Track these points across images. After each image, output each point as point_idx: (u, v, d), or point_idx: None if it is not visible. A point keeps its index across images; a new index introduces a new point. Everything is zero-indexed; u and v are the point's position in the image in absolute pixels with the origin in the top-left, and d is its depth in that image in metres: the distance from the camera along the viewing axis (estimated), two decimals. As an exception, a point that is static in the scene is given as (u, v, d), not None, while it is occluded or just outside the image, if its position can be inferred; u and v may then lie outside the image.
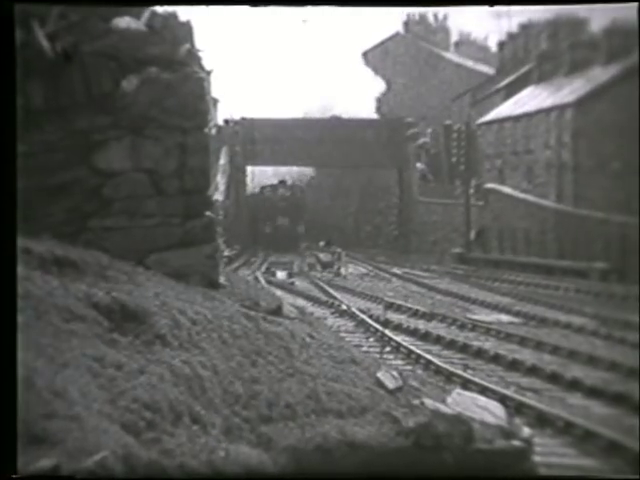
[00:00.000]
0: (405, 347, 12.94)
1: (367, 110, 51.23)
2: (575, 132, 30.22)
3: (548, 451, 7.23)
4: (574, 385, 10.24)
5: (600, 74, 30.49)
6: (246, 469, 4.39)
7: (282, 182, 51.57)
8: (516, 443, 5.54)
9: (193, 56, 7.57)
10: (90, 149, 6.96)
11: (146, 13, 7.32)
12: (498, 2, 6.96)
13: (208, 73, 8.20)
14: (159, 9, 7.56)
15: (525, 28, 42.71)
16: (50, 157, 6.79)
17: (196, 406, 4.55)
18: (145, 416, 4.14)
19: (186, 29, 7.61)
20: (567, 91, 31.78)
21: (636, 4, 6.08)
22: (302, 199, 51.49)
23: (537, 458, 6.02)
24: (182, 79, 7.23)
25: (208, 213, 7.39)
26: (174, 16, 7.55)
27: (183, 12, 7.45)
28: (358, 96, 46.59)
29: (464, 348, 13.08)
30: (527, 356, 12.35)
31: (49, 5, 6.81)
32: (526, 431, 5.89)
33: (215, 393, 4.83)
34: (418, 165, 45.33)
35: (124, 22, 7.19)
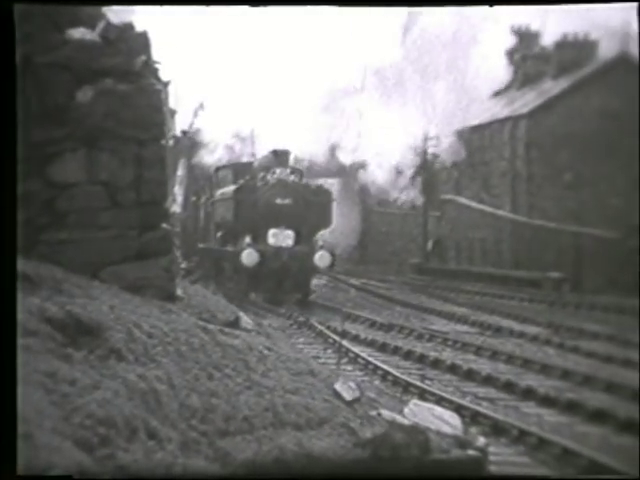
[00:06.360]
0: (363, 358, 13.00)
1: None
2: (528, 143, 30.78)
3: (502, 460, 7.32)
4: (528, 394, 10.39)
5: (551, 87, 31.15)
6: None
7: (278, 153, 23.40)
8: (471, 452, 5.62)
9: (149, 67, 7.54)
10: (45, 161, 6.89)
11: (101, 24, 7.28)
12: (498, 2, 7.08)
13: (165, 85, 8.17)
14: (115, 20, 7.53)
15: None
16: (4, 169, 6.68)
17: (152, 421, 4.52)
18: (99, 432, 4.10)
19: (142, 40, 7.58)
20: (520, 103, 32.37)
21: (636, 4, 6.19)
22: (328, 196, 24.03)
23: (492, 467, 6.11)
24: (138, 91, 7.20)
25: (164, 225, 7.36)
26: (130, 27, 7.51)
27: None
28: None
29: (421, 358, 13.19)
30: (483, 366, 12.49)
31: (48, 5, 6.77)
32: (481, 440, 5.97)
33: (171, 407, 4.80)
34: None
35: (78, 33, 7.14)
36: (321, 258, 21.90)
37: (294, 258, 21.74)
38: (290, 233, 22.18)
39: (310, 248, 22.17)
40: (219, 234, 24.42)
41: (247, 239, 22.11)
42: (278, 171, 22.88)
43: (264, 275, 21.52)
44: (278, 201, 22.56)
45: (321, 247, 22.39)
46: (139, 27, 7.49)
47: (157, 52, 7.68)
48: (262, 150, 26.85)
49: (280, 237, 22.13)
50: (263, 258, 21.41)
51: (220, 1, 7.26)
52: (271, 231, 22.09)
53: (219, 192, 25.16)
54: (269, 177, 22.82)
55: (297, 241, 22.26)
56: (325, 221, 23.65)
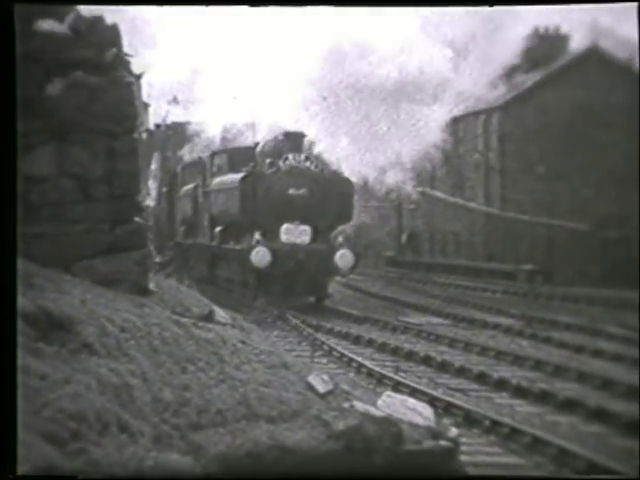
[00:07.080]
0: (337, 351, 13.04)
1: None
2: (501, 136, 30.99)
3: (474, 450, 7.41)
4: (501, 385, 10.50)
5: (524, 80, 31.37)
6: (176, 477, 4.38)
7: (291, 135, 19.96)
8: (443, 443, 5.67)
9: (121, 60, 7.49)
10: (16, 154, 6.81)
11: (70, 16, 7.21)
12: (498, 2, 7.12)
13: (137, 77, 8.13)
14: (85, 12, 7.46)
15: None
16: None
17: (124, 415, 4.51)
18: (70, 426, 4.08)
19: (113, 33, 7.52)
20: (493, 96, 32.56)
21: (636, 4, 6.23)
22: (348, 186, 20.64)
23: (464, 457, 6.18)
24: (109, 83, 7.15)
25: (137, 219, 7.33)
26: (100, 19, 7.45)
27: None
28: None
29: (396, 351, 13.26)
30: (456, 357, 12.59)
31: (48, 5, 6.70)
32: (453, 431, 6.04)
33: (144, 401, 4.79)
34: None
35: (47, 24, 7.07)
36: (342, 258, 18.82)
37: (311, 257, 18.70)
38: (306, 228, 19.15)
39: (329, 246, 19.11)
40: (218, 229, 21.10)
41: (256, 235, 18.91)
42: (291, 157, 19.43)
43: (276, 277, 18.51)
44: (292, 191, 19.28)
45: (341, 245, 19.22)
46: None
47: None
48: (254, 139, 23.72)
49: (295, 233, 19.13)
50: (275, 257, 18.38)
51: (220, 1, 7.22)
52: (284, 226, 19.06)
53: (216, 181, 21.94)
54: (280, 164, 19.36)
55: (314, 237, 19.25)
56: (346, 214, 20.29)
